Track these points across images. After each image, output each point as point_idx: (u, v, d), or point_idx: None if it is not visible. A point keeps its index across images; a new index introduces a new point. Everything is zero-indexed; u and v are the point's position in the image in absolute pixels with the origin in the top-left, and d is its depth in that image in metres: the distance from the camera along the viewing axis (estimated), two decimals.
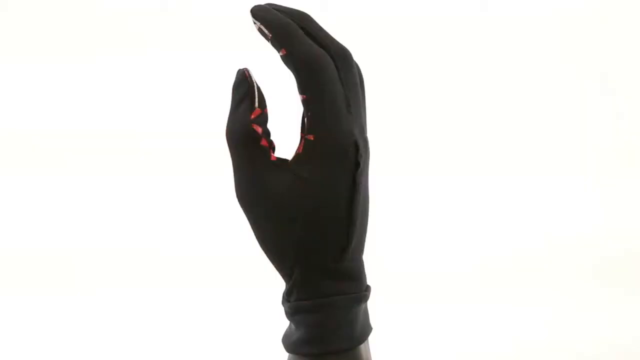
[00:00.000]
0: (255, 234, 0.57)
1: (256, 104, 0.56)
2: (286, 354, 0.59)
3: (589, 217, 1.54)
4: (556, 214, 1.54)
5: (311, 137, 0.56)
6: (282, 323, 0.59)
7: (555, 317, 1.33)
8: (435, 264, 1.47)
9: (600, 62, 1.58)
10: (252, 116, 0.56)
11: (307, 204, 0.55)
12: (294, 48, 0.56)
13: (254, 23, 0.57)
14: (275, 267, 0.58)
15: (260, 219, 0.56)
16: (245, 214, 0.57)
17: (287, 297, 0.57)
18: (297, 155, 0.56)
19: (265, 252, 0.57)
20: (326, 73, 0.56)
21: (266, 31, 0.56)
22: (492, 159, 1.56)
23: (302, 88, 0.56)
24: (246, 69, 0.57)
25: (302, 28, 0.57)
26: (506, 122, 1.58)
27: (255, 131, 0.55)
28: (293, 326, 0.58)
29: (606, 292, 1.38)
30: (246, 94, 0.56)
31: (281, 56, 0.56)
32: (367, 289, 0.59)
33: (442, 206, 1.55)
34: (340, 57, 0.57)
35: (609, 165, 1.57)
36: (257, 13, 0.56)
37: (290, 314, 0.57)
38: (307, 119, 0.56)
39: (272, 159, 0.56)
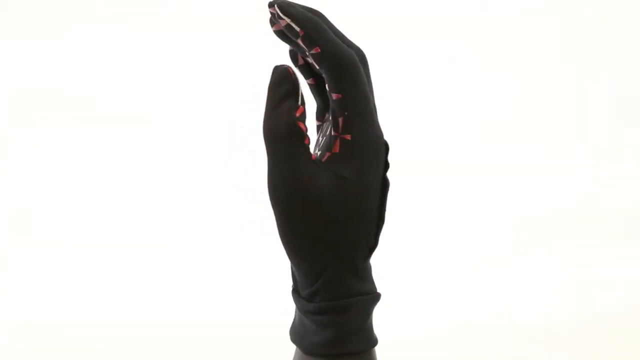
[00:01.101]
0: (283, 233, 0.56)
1: (299, 102, 0.56)
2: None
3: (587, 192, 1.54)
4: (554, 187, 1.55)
5: (348, 137, 0.55)
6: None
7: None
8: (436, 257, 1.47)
9: (600, 60, 1.58)
10: (297, 114, 0.55)
11: (347, 204, 0.55)
12: (328, 46, 0.55)
13: (280, 19, 0.55)
14: (298, 266, 0.56)
15: (296, 218, 0.55)
16: (278, 212, 0.55)
17: (311, 297, 0.56)
18: (333, 155, 0.55)
19: (292, 251, 0.56)
20: (359, 72, 0.55)
21: (297, 28, 0.55)
22: (494, 157, 1.56)
23: (337, 87, 0.55)
24: (289, 66, 0.56)
25: None
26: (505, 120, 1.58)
27: (300, 129, 0.55)
28: (311, 326, 0.57)
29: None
30: (290, 91, 0.55)
31: (312, 54, 0.55)
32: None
33: (443, 205, 1.55)
34: (360, 57, 0.57)
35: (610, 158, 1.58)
36: (287, 9, 0.55)
37: (314, 313, 0.56)
38: (342, 119, 0.55)
39: (312, 157, 0.55)
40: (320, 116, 0.61)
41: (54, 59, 1.60)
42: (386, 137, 0.57)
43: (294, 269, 0.57)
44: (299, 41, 0.55)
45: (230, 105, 1.56)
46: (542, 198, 1.56)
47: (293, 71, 0.55)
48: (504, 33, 1.58)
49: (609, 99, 1.58)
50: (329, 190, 0.55)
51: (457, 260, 1.47)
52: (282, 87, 0.55)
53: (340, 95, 0.55)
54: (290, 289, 0.59)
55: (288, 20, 0.55)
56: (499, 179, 1.55)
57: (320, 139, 0.60)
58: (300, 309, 0.57)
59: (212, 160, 1.55)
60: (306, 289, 0.57)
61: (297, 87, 0.55)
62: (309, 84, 0.60)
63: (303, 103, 0.56)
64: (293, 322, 0.59)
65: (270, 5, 0.55)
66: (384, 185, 0.57)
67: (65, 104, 1.60)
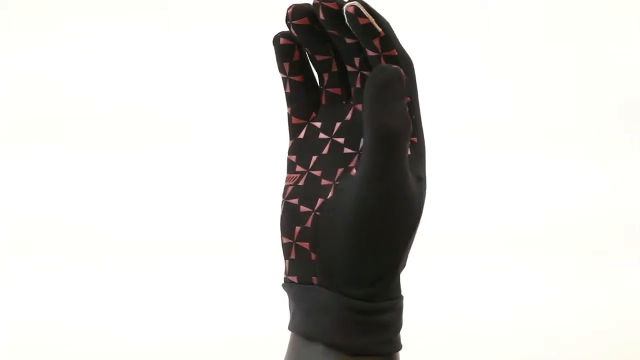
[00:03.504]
0: (361, 232, 0.54)
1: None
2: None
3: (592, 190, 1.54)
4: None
5: (415, 140, 0.56)
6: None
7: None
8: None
9: (600, 60, 1.58)
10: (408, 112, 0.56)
11: (421, 204, 0.56)
12: (402, 51, 0.55)
13: (360, 17, 0.53)
14: (360, 266, 0.55)
15: (386, 220, 0.54)
16: (369, 211, 0.54)
17: (370, 297, 0.55)
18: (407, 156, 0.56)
19: (366, 249, 0.55)
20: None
21: (379, 29, 0.54)
22: (494, 157, 1.56)
23: (407, 91, 0.55)
24: (399, 66, 0.55)
25: None
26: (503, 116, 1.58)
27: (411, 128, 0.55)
28: (359, 326, 0.55)
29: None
30: (403, 92, 0.54)
31: (386, 55, 0.55)
32: None
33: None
34: None
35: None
36: (371, 9, 0.54)
37: (372, 314, 0.55)
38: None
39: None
40: (306, 115, 0.60)
41: (53, 59, 1.60)
42: None
43: (343, 267, 0.55)
44: (375, 41, 0.54)
45: (231, 105, 1.56)
46: (542, 198, 1.56)
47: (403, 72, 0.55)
48: (504, 33, 1.58)
49: (609, 98, 1.58)
50: (414, 192, 0.55)
51: (457, 262, 1.47)
52: (396, 87, 0.54)
53: (409, 99, 0.56)
54: (310, 288, 0.57)
55: (371, 20, 0.54)
56: (499, 179, 1.55)
57: (320, 137, 0.59)
58: (351, 309, 0.55)
59: (212, 160, 1.55)
60: (363, 289, 0.55)
61: (405, 88, 0.55)
62: (295, 81, 0.59)
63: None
64: (319, 322, 0.56)
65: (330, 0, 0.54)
66: None
67: (68, 109, 1.60)
